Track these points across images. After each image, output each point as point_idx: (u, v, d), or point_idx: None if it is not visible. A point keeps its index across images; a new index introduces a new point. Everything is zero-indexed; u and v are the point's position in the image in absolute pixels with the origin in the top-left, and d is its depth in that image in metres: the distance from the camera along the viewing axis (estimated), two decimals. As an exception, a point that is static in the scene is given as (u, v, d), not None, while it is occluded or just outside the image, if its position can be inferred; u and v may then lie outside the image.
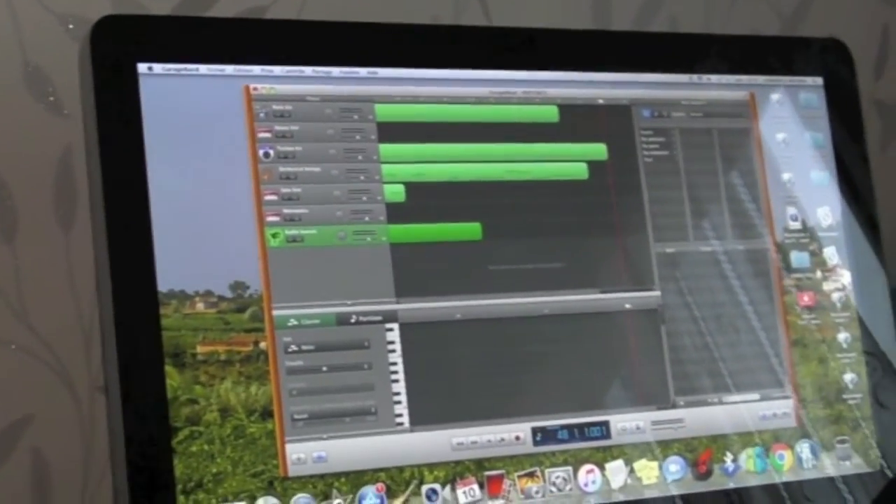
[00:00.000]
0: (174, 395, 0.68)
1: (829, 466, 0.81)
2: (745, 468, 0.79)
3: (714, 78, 0.84)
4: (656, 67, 0.82)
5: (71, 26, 0.86)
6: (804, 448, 0.81)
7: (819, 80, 0.86)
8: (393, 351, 0.73)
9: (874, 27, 1.12)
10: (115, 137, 0.69)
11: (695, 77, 0.83)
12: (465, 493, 0.73)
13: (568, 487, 0.75)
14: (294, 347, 0.71)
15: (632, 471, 0.76)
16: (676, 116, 0.82)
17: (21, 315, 0.84)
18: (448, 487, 0.73)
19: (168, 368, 0.68)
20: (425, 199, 0.75)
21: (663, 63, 0.82)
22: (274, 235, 0.72)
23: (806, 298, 0.83)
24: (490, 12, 0.97)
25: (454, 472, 0.73)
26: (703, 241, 0.81)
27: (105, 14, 0.71)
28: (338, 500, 0.70)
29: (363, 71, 0.75)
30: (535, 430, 0.75)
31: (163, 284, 0.69)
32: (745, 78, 0.85)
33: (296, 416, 0.70)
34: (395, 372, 0.72)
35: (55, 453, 0.85)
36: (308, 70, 0.74)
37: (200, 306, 0.69)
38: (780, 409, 0.81)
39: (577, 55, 0.80)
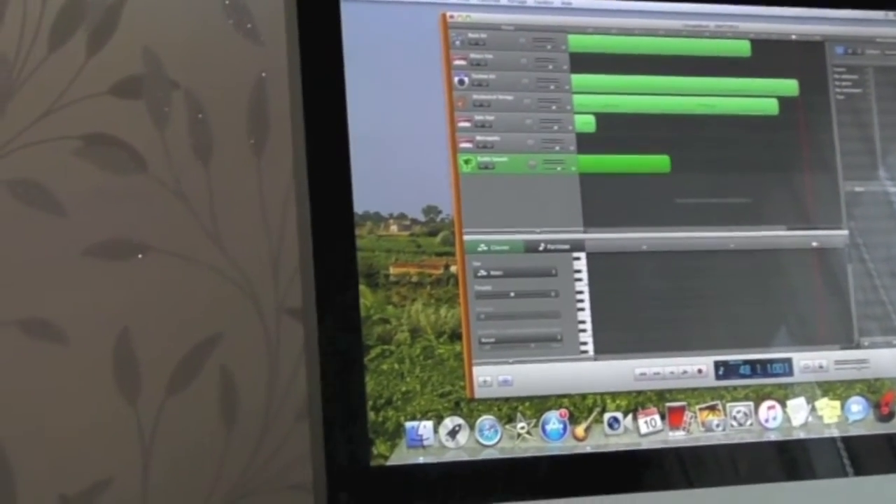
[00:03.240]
0: (367, 314, 0.70)
1: None
2: (929, 412, 0.78)
3: (910, 16, 0.82)
4: (851, 3, 0.81)
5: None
6: None
7: None
8: (580, 280, 0.73)
9: None
10: (316, 62, 0.71)
11: (891, 14, 0.82)
12: (646, 422, 0.73)
13: (749, 422, 0.75)
14: (483, 272, 0.72)
15: (813, 409, 0.76)
16: (871, 54, 0.81)
17: (214, 236, 0.87)
18: (630, 416, 0.73)
19: (362, 288, 0.70)
20: (615, 131, 0.75)
21: (859, -1, 0.81)
22: (466, 162, 0.73)
23: None
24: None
25: (636, 401, 0.73)
26: (893, 181, 0.80)
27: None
28: (521, 424, 0.72)
29: (557, 1, 0.76)
30: (717, 364, 0.75)
31: (359, 206, 0.70)
32: (941, 16, 0.83)
33: (483, 340, 0.71)
34: (581, 301, 0.73)
35: (242, 371, 0.87)
36: (503, -1, 0.75)
37: (394, 228, 0.71)
38: (966, 354, 0.80)
39: (771, -11, 0.79)
